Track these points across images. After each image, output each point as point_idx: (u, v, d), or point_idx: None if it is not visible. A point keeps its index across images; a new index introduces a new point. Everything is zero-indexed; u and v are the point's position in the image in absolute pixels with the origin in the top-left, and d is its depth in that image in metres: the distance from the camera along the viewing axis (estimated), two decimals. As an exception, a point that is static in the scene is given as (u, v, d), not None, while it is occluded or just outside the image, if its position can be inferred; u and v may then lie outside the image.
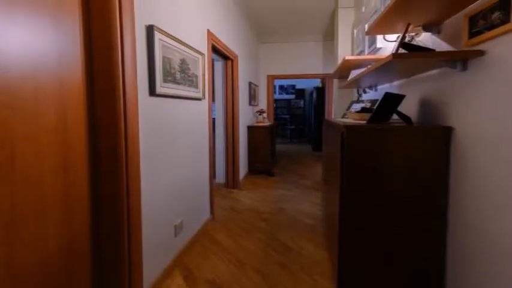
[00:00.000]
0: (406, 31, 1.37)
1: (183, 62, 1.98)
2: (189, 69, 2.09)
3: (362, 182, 1.42)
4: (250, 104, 4.88)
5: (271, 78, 5.83)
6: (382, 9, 1.43)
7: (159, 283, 1.71)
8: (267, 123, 5.12)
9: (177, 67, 1.89)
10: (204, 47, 2.49)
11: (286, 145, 8.88)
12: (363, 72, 1.76)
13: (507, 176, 1.00)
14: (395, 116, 1.51)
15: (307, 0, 3.73)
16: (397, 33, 1.57)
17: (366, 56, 2.29)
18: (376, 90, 2.55)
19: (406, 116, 1.51)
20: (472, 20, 1.14)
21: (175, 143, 1.97)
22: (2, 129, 0.92)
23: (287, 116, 10.14)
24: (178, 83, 1.94)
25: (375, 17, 2.17)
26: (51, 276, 1.12)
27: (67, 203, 1.19)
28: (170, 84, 1.81)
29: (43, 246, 1.08)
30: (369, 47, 2.64)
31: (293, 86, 10.13)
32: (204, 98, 2.51)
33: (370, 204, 1.42)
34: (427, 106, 1.60)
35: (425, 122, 1.60)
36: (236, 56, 3.74)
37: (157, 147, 1.72)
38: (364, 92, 2.94)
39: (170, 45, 1.79)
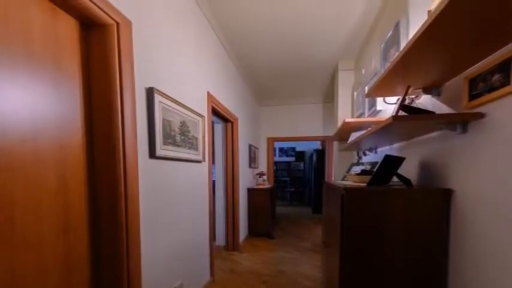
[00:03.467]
0: (406, 93, 1.39)
1: (183, 124, 2.00)
2: (189, 131, 2.11)
3: (362, 244, 1.41)
4: (250, 166, 4.86)
5: (271, 140, 5.92)
6: (382, 72, 1.48)
7: None
8: (267, 185, 5.04)
9: (177, 129, 1.90)
10: (204, 109, 2.54)
11: (286, 207, 8.60)
12: (363, 134, 1.76)
13: (508, 238, 1.00)
14: (395, 179, 1.47)
15: (308, 62, 3.82)
16: (397, 95, 1.60)
17: (366, 119, 2.33)
18: (376, 152, 2.54)
19: (406, 178, 1.51)
20: (472, 82, 1.16)
21: (175, 205, 1.94)
22: (1, 192, 0.92)
23: (287, 179, 10.04)
24: (178, 146, 1.93)
25: (375, 79, 2.26)
26: None
27: (67, 264, 1.19)
28: (170, 147, 1.80)
29: (43, 308, 1.05)
30: (369, 109, 2.67)
31: (293, 149, 10.27)
32: (204, 161, 2.49)
33: (370, 267, 1.40)
34: (427, 168, 1.58)
35: (426, 184, 1.58)
36: (236, 119, 3.83)
37: (157, 209, 1.69)
38: (364, 154, 2.94)
39: (170, 108, 1.82)
